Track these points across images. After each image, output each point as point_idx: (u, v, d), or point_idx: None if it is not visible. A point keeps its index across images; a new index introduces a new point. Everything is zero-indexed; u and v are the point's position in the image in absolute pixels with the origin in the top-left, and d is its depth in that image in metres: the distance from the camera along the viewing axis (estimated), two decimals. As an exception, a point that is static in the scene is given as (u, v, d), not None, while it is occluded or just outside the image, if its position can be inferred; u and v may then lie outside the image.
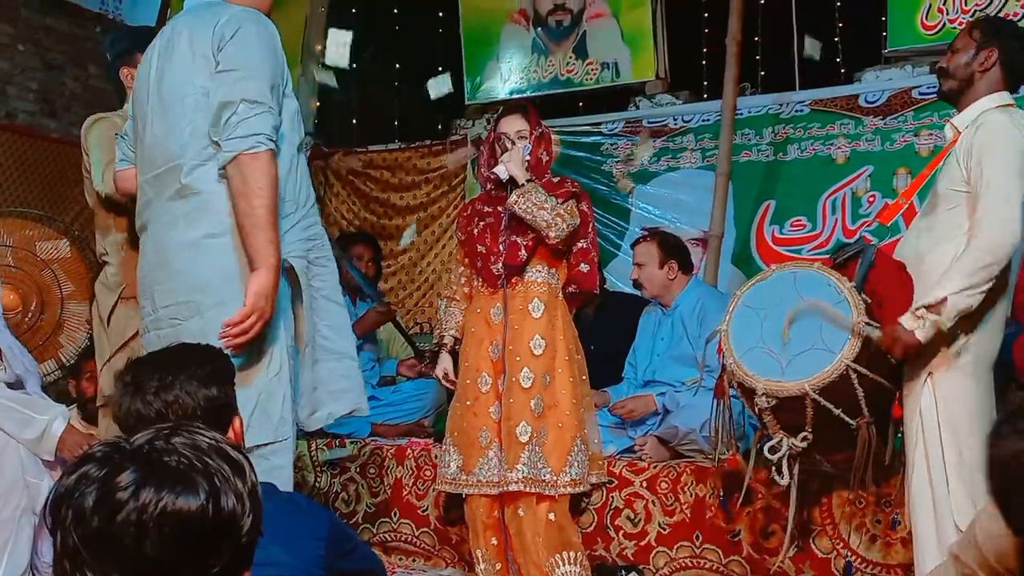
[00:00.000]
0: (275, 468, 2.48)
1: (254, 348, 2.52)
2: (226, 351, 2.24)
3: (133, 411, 1.78)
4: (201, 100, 2.54)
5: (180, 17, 2.73)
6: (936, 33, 4.92)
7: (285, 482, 2.51)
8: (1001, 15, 4.69)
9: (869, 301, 2.73)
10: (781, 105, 5.40)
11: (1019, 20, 4.68)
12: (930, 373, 2.67)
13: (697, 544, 3.43)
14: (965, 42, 2.78)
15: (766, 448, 2.86)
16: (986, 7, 4.79)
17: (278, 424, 2.56)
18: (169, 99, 2.61)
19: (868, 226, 5.05)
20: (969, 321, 2.61)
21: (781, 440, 2.82)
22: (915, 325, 2.57)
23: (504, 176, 3.35)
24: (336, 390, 2.80)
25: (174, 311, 2.58)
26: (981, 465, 2.62)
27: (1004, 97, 2.74)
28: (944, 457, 2.61)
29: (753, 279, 3.00)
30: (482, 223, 3.47)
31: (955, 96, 2.81)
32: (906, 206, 3.10)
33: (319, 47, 6.63)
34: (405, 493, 4.02)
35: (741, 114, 5.20)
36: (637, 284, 4.09)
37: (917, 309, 2.56)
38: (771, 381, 2.76)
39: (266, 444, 2.52)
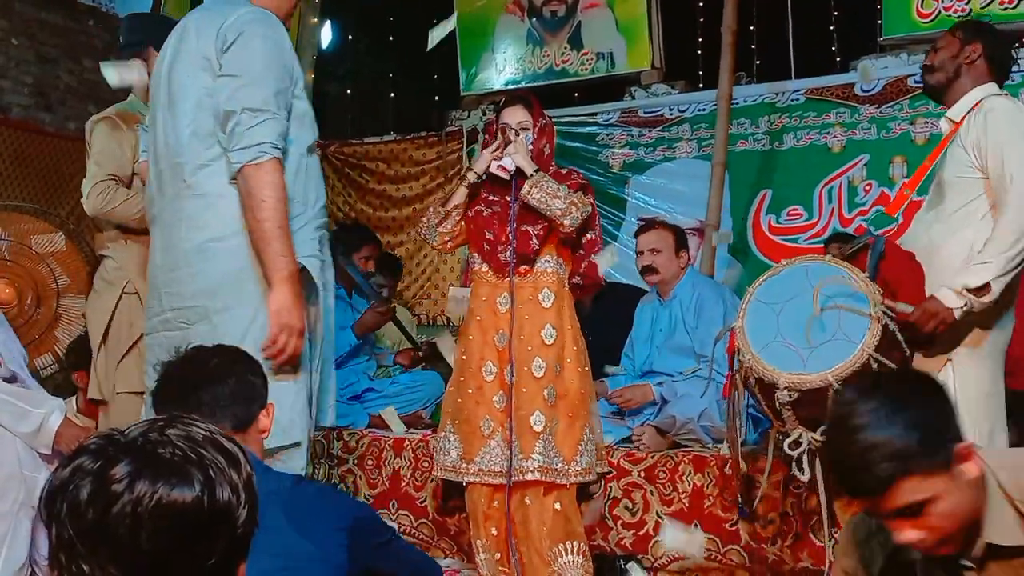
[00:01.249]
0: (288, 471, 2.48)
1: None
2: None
3: None
4: (204, 100, 2.52)
5: (196, 12, 2.71)
6: (931, 21, 4.92)
7: None
8: (995, 1, 4.71)
9: (882, 291, 2.74)
10: (777, 94, 5.41)
11: (1014, 6, 4.69)
12: (950, 359, 2.72)
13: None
14: (948, 40, 2.91)
15: (786, 444, 2.84)
16: (980, -6, 4.79)
17: (287, 428, 2.52)
18: (175, 96, 2.60)
19: (864, 215, 5.06)
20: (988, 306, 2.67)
21: (801, 435, 2.81)
22: (957, 303, 2.61)
23: (511, 168, 3.34)
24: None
25: (181, 314, 2.57)
26: (991, 448, 2.66)
27: (994, 88, 2.84)
28: None
29: (764, 275, 2.98)
30: (489, 210, 3.45)
31: (942, 89, 2.90)
32: (912, 196, 3.12)
33: (313, 38, 6.60)
34: (403, 484, 4.02)
35: (737, 103, 5.20)
36: (650, 269, 3.98)
37: (960, 289, 2.60)
38: (793, 374, 2.73)
39: (278, 448, 2.50)
